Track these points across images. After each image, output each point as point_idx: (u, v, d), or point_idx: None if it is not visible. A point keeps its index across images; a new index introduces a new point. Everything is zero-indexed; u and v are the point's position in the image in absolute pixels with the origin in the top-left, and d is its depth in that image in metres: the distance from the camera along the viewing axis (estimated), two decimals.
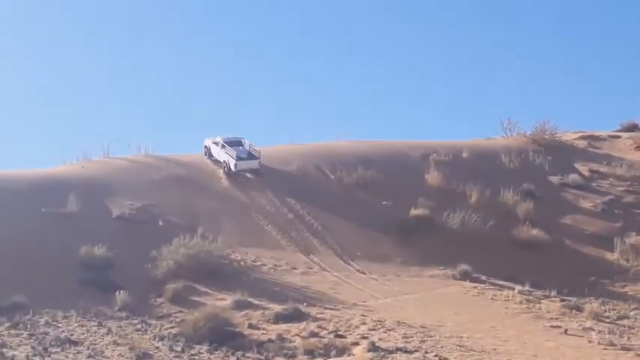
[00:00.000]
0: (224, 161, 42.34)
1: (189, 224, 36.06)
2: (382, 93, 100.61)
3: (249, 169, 42.16)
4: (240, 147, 42.96)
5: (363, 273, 34.58)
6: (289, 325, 27.51)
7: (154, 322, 27.85)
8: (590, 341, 26.98)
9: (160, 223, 36.60)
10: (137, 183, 39.86)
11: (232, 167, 41.79)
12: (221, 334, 25.94)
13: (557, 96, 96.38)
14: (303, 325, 27.48)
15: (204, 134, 45.09)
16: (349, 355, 25.10)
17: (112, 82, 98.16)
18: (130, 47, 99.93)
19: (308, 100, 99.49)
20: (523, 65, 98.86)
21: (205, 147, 44.07)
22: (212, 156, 43.46)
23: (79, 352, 24.65)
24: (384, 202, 40.09)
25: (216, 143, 43.26)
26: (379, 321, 27.94)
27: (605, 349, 26.29)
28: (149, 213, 37.20)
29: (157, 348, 24.93)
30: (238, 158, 41.82)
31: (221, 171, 42.11)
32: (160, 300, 29.99)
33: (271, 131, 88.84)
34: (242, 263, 34.22)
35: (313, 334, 26.62)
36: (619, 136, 51.52)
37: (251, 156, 42.64)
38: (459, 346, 25.90)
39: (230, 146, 42.56)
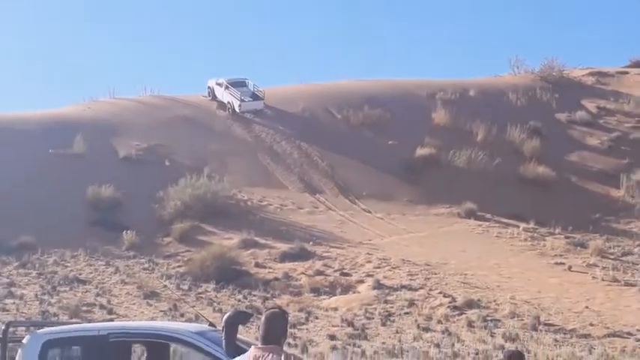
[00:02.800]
0: (228, 102, 41.96)
1: (196, 165, 36.03)
2: (390, 31, 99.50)
3: (254, 110, 41.76)
4: (244, 88, 42.54)
5: (369, 212, 34.58)
6: (295, 263, 27.65)
7: (161, 261, 28.04)
8: (593, 277, 27.02)
9: (167, 163, 36.59)
10: (143, 123, 39.76)
11: (237, 108, 41.43)
12: (227, 273, 26.11)
13: (566, 32, 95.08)
14: (309, 263, 27.61)
15: (212, 74, 44.86)
16: (354, 293, 25.25)
17: (119, 22, 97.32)
18: None
19: (316, 40, 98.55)
20: (532, 2, 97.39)
21: (209, 88, 43.69)
22: (216, 97, 43.00)
23: (87, 291, 24.88)
24: (390, 142, 39.90)
25: (219, 84, 42.80)
26: (384, 259, 28.03)
27: (609, 285, 26.33)
28: (156, 153, 37.17)
29: (165, 286, 25.11)
30: (242, 99, 41.39)
31: (226, 112, 41.88)
32: (167, 239, 30.13)
33: (279, 72, 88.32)
34: (248, 203, 34.26)
35: (319, 273, 26.76)
36: (627, 72, 50.86)
37: (255, 97, 42.25)
38: (463, 283, 26.00)
39: (234, 87, 42.10)
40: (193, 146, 38.07)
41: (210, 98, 43.37)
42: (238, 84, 42.63)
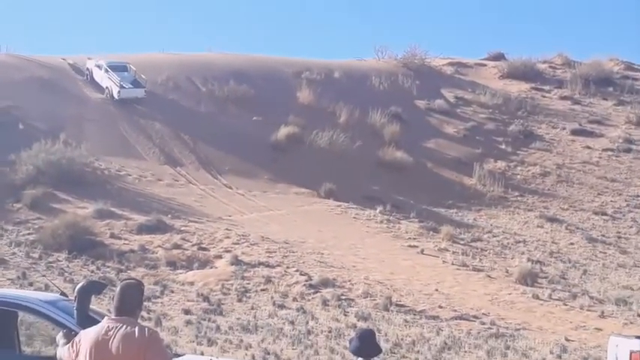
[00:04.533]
0: (107, 87, 39.46)
1: (52, 129, 34.71)
2: (258, 8, 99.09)
3: (134, 98, 39.23)
4: (125, 73, 39.98)
5: (230, 187, 34.42)
6: (152, 236, 27.17)
7: (10, 227, 26.88)
8: (444, 261, 27.96)
9: (21, 126, 35.04)
10: None
11: (115, 94, 38.90)
12: (81, 243, 25.34)
13: (429, 22, 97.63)
14: (166, 236, 27.20)
15: (75, 38, 43.10)
16: (212, 268, 25.08)
17: None
18: None
19: (179, 8, 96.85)
20: None
21: (87, 69, 41.09)
22: (94, 79, 40.43)
23: None
24: (254, 118, 39.78)
25: (99, 66, 40.27)
26: (243, 235, 27.98)
27: (458, 269, 27.32)
28: (8, 115, 35.54)
29: (14, 254, 24.11)
30: (122, 86, 38.98)
31: (104, 96, 39.52)
32: (17, 205, 28.90)
33: (142, 38, 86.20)
34: (106, 172, 33.36)
35: (176, 246, 26.42)
36: (485, 65, 52.77)
37: (136, 84, 39.81)
38: (320, 262, 26.31)
39: (114, 72, 39.56)
40: (49, 110, 36.62)
41: (87, 80, 40.71)
42: (119, 68, 40.03)
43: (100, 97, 39.65)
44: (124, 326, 5.60)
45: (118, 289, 5.80)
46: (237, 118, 39.55)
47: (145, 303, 21.01)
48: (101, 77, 39.96)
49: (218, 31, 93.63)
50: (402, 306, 23.13)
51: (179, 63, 44.05)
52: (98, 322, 5.84)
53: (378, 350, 7.48)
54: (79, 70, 41.05)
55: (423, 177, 37.99)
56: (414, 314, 22.53)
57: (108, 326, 5.63)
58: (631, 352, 11.03)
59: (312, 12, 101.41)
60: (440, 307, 23.23)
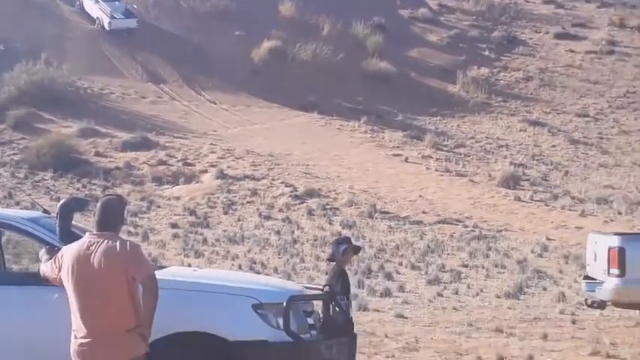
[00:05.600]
0: (97, 17, 37.77)
1: (32, 50, 34.19)
2: None
3: (126, 29, 37.46)
4: (117, 3, 38.27)
5: (214, 103, 34.24)
6: (137, 153, 27.16)
7: None
8: (427, 168, 28.08)
9: (1, 47, 34.52)
10: None
11: (106, 25, 37.26)
12: (66, 162, 25.32)
13: None
14: (151, 153, 27.18)
15: None
16: (197, 183, 25.15)
17: None
18: None
19: None
20: None
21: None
22: (84, 9, 38.71)
23: None
24: (237, 33, 39.26)
25: None
26: (228, 150, 27.99)
27: (441, 175, 27.47)
28: None
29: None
30: (113, 16, 37.24)
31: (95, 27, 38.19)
32: (1, 126, 28.71)
33: None
34: (89, 91, 33.09)
35: (162, 162, 26.42)
36: None
37: (128, 14, 38.13)
38: (305, 173, 26.40)
39: (104, 1, 37.86)
40: (30, 31, 35.98)
41: (78, 10, 39.01)
42: None
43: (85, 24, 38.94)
44: (106, 241, 5.57)
45: (98, 204, 5.75)
46: (219, 33, 39.00)
47: (132, 218, 21.19)
48: (91, 7, 38.38)
49: None
50: (386, 213, 23.33)
51: None
52: (80, 237, 5.82)
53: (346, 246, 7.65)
54: (70, 0, 39.86)
55: (407, 86, 37.80)
56: (398, 220, 22.75)
57: (89, 241, 5.61)
58: (609, 248, 11.17)
59: None
60: (423, 212, 23.45)
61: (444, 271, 17.75)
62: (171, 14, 40.37)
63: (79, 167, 25.42)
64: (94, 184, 24.47)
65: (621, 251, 11.00)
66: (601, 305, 11.77)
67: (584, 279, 12.33)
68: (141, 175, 25.37)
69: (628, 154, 31.27)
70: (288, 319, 6.51)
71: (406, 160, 28.91)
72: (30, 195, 21.54)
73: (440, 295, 15.81)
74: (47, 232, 6.67)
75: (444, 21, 44.60)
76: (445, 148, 30.91)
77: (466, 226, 22.23)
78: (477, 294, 16.00)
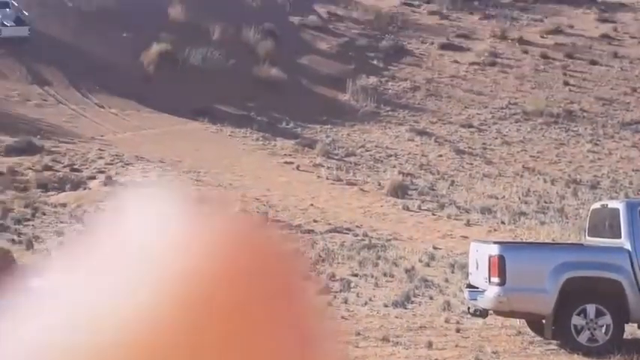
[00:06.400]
0: None
1: None
2: None
3: (17, 38, 35.68)
4: (7, 10, 36.44)
5: (102, 107, 33.39)
6: (21, 157, 26.13)
7: None
8: (319, 177, 28.21)
9: None
10: None
11: None
12: None
13: None
14: (36, 158, 26.22)
15: None
16: (85, 189, 24.42)
17: None
18: None
19: None
20: None
21: None
22: None
23: None
24: (124, 35, 38.41)
25: None
26: (117, 155, 27.31)
27: (333, 183, 27.64)
28: None
29: None
30: (3, 24, 35.63)
31: None
32: None
33: None
34: None
35: (47, 168, 25.53)
36: None
37: (19, 21, 36.46)
38: (197, 180, 26.04)
39: None
40: None
41: None
42: (0, 4, 36.34)
43: None
44: None
45: None
46: (106, 35, 38.06)
47: (16, 226, 20.37)
48: None
49: None
50: (278, 221, 23.24)
51: None
52: None
53: None
54: None
55: (298, 94, 37.91)
56: (290, 229, 22.68)
57: None
58: (489, 256, 11.46)
59: None
60: (315, 221, 23.51)
61: (334, 280, 17.83)
62: (56, 14, 39.11)
63: None
64: None
65: (501, 259, 11.27)
66: (483, 314, 12.04)
67: (467, 287, 12.57)
68: (25, 181, 24.43)
69: (511, 164, 32.30)
70: None
71: (298, 168, 28.97)
72: None
73: (330, 304, 15.85)
74: None
75: (333, 29, 44.99)
76: (336, 157, 31.15)
77: (356, 235, 22.42)
78: (366, 303, 16.13)
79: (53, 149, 27.18)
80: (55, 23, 38.26)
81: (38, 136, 28.04)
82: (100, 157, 26.93)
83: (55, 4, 39.77)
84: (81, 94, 34.09)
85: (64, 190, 24.09)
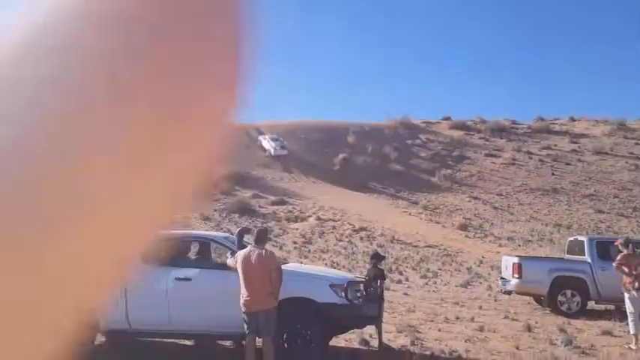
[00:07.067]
0: None
1: None
2: None
3: (282, 155, 30.53)
4: (278, 141, 32.34)
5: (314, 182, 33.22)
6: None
7: None
8: (420, 218, 27.06)
9: None
10: None
11: None
12: None
13: None
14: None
15: None
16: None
17: None
18: None
19: None
20: None
21: None
22: None
23: None
24: None
25: None
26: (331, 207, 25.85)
27: (428, 222, 26.27)
28: None
29: None
30: (275, 149, 30.64)
31: None
32: None
33: None
34: None
35: None
36: None
37: (283, 147, 31.59)
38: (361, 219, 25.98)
39: None
40: None
41: None
42: (273, 139, 31.81)
43: None
44: (258, 249, 5.41)
45: (255, 231, 5.67)
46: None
47: None
48: None
49: None
50: (399, 240, 21.83)
51: None
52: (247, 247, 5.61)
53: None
54: None
55: (410, 177, 36.82)
56: (406, 244, 21.14)
57: (250, 249, 5.44)
58: (513, 263, 11.50)
59: None
60: (418, 240, 21.99)
61: (428, 271, 16.86)
62: (294, 140, 37.25)
63: None
64: None
65: (519, 265, 11.34)
66: (509, 293, 11.92)
67: (500, 279, 12.47)
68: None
69: (522, 215, 30.86)
70: (347, 292, 6.05)
71: (409, 214, 27.98)
72: None
73: (426, 284, 14.94)
74: (231, 244, 6.25)
75: (428, 145, 44.12)
76: (430, 208, 29.53)
77: (440, 249, 20.92)
78: (446, 284, 15.13)
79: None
80: (294, 145, 39.04)
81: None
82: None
83: (289, 138, 38.93)
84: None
85: None
